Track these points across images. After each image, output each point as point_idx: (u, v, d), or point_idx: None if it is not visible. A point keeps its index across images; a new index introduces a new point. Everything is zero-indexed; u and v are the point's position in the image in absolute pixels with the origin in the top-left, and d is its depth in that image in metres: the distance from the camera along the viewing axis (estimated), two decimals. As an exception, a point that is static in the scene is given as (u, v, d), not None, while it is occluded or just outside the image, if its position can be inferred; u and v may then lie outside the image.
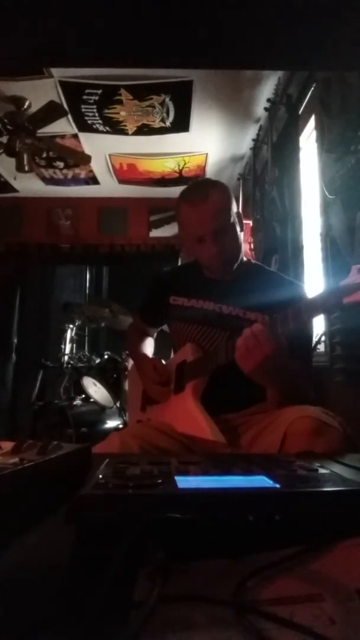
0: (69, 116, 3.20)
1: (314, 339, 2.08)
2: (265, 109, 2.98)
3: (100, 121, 3.30)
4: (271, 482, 0.56)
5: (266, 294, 1.26)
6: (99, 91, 2.93)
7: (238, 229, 1.34)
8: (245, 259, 1.43)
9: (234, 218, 1.31)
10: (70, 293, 5.24)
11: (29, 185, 4.38)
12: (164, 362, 1.49)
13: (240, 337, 1.04)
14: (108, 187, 4.49)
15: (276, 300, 1.09)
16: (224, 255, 1.31)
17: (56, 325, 4.37)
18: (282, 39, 1.02)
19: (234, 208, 1.33)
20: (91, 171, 4.16)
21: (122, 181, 4.37)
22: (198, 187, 1.36)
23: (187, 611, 0.39)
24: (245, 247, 3.59)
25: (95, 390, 3.67)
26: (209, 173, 4.15)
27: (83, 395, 3.64)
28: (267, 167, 3.05)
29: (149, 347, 1.65)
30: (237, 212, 1.35)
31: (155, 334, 1.73)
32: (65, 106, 3.07)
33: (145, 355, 1.55)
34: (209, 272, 1.41)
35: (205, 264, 1.39)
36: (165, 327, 1.70)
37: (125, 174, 4.23)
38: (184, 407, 1.26)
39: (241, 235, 1.37)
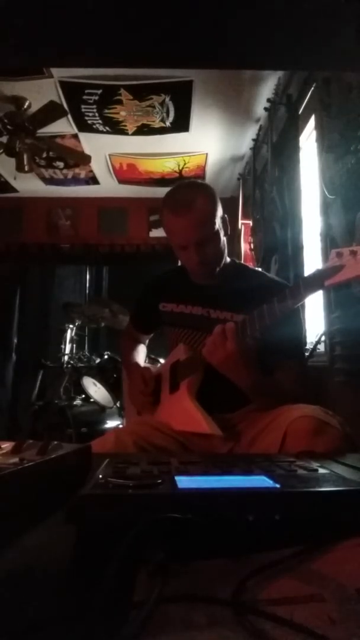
0: (69, 116, 3.20)
1: (315, 339, 2.09)
2: (265, 109, 2.97)
3: (100, 121, 3.29)
4: (271, 482, 0.56)
5: (251, 295, 1.25)
6: (99, 91, 2.93)
7: (222, 233, 1.33)
8: (229, 259, 1.43)
9: (218, 225, 1.29)
10: (70, 293, 5.24)
11: (29, 185, 4.38)
12: (162, 360, 1.50)
13: (212, 334, 1.11)
14: (108, 187, 4.48)
15: (261, 300, 1.10)
16: (206, 262, 1.30)
17: (56, 325, 4.37)
18: (282, 39, 1.02)
19: (219, 213, 1.30)
20: (91, 171, 4.16)
21: (122, 181, 4.37)
22: (181, 194, 1.30)
23: (187, 611, 0.39)
24: (245, 247, 3.60)
25: (95, 390, 3.67)
26: (209, 173, 4.15)
27: (83, 395, 3.64)
28: (267, 167, 3.05)
29: (141, 354, 1.67)
30: (222, 217, 1.32)
31: (147, 341, 1.74)
32: (65, 106, 3.07)
33: (135, 364, 1.56)
34: (193, 277, 1.41)
35: (188, 269, 1.40)
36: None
37: (125, 174, 4.23)
38: (180, 404, 1.26)
39: (225, 239, 1.35)
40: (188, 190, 1.31)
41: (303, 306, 1.16)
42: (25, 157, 3.34)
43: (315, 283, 1.01)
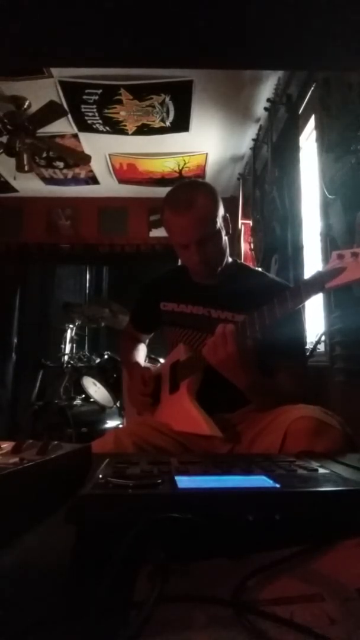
0: (69, 116, 3.20)
1: (315, 339, 2.09)
2: (265, 109, 2.97)
3: (100, 121, 3.30)
4: (271, 482, 0.56)
5: (252, 295, 1.25)
6: (99, 91, 2.93)
7: (223, 233, 1.32)
8: (230, 259, 1.42)
9: (219, 224, 1.29)
10: (70, 293, 5.23)
11: (29, 185, 4.38)
12: (162, 360, 1.50)
13: (213, 334, 1.12)
14: (108, 187, 4.48)
15: (262, 301, 1.10)
16: (207, 262, 1.30)
17: (56, 325, 4.37)
18: (282, 39, 1.02)
19: (220, 212, 1.30)
20: (91, 171, 4.16)
21: (122, 181, 4.37)
22: (183, 192, 1.30)
23: (187, 611, 0.39)
24: (245, 247, 3.60)
25: (95, 390, 3.67)
26: (209, 173, 4.15)
27: (83, 395, 3.64)
28: (267, 167, 3.05)
29: (141, 353, 1.67)
30: (224, 216, 1.32)
31: (148, 340, 1.74)
32: (65, 106, 3.07)
33: (136, 364, 1.55)
34: (194, 276, 1.41)
35: (189, 269, 1.40)
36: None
37: (125, 174, 4.23)
38: (179, 405, 1.26)
39: (227, 238, 1.35)
40: (189, 189, 1.30)
41: (303, 306, 1.16)
42: (25, 157, 3.34)
43: (315, 285, 1.00)
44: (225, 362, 1.11)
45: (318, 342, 2.09)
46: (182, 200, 1.26)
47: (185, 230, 1.26)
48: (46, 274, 5.26)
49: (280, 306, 1.04)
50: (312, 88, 2.29)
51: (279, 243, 2.73)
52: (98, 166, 4.04)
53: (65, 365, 3.82)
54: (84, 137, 3.52)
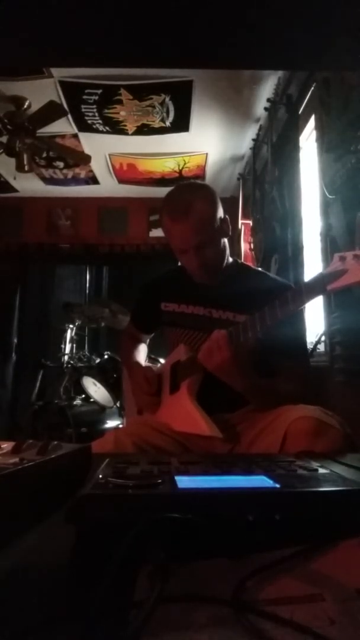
0: (69, 116, 3.20)
1: (315, 339, 2.09)
2: (265, 109, 2.97)
3: (100, 121, 3.30)
4: (271, 482, 0.56)
5: (253, 296, 1.25)
6: (99, 91, 2.93)
7: (222, 235, 1.32)
8: (231, 260, 1.42)
9: (218, 226, 1.29)
10: (70, 293, 5.24)
11: (29, 185, 4.38)
12: (162, 360, 1.50)
13: (207, 340, 1.14)
14: (108, 187, 4.48)
15: (264, 301, 1.10)
16: (206, 265, 1.30)
17: (56, 325, 4.37)
18: (282, 39, 1.02)
19: (219, 214, 1.30)
20: (91, 171, 4.16)
21: (122, 181, 4.37)
22: (179, 197, 1.29)
23: (187, 611, 0.39)
24: (245, 247, 3.60)
25: (95, 390, 3.67)
26: (209, 173, 4.15)
27: (83, 395, 3.64)
28: (267, 167, 3.05)
29: (142, 353, 1.66)
30: (223, 218, 1.32)
31: (148, 340, 1.74)
32: (65, 106, 3.07)
33: (137, 364, 1.55)
34: (195, 277, 1.41)
35: (189, 272, 1.39)
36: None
37: (125, 174, 4.23)
38: (180, 405, 1.26)
39: (226, 240, 1.35)
40: (186, 194, 1.29)
41: (304, 307, 1.16)
42: (25, 157, 3.34)
43: (317, 287, 1.01)
44: (221, 366, 1.12)
45: (318, 342, 2.09)
46: (180, 206, 1.25)
47: (184, 235, 1.26)
48: (46, 274, 5.26)
49: (282, 307, 1.04)
50: (312, 88, 2.29)
51: (279, 243, 2.73)
52: (98, 166, 4.04)
53: (65, 365, 3.82)
54: (84, 137, 3.52)
